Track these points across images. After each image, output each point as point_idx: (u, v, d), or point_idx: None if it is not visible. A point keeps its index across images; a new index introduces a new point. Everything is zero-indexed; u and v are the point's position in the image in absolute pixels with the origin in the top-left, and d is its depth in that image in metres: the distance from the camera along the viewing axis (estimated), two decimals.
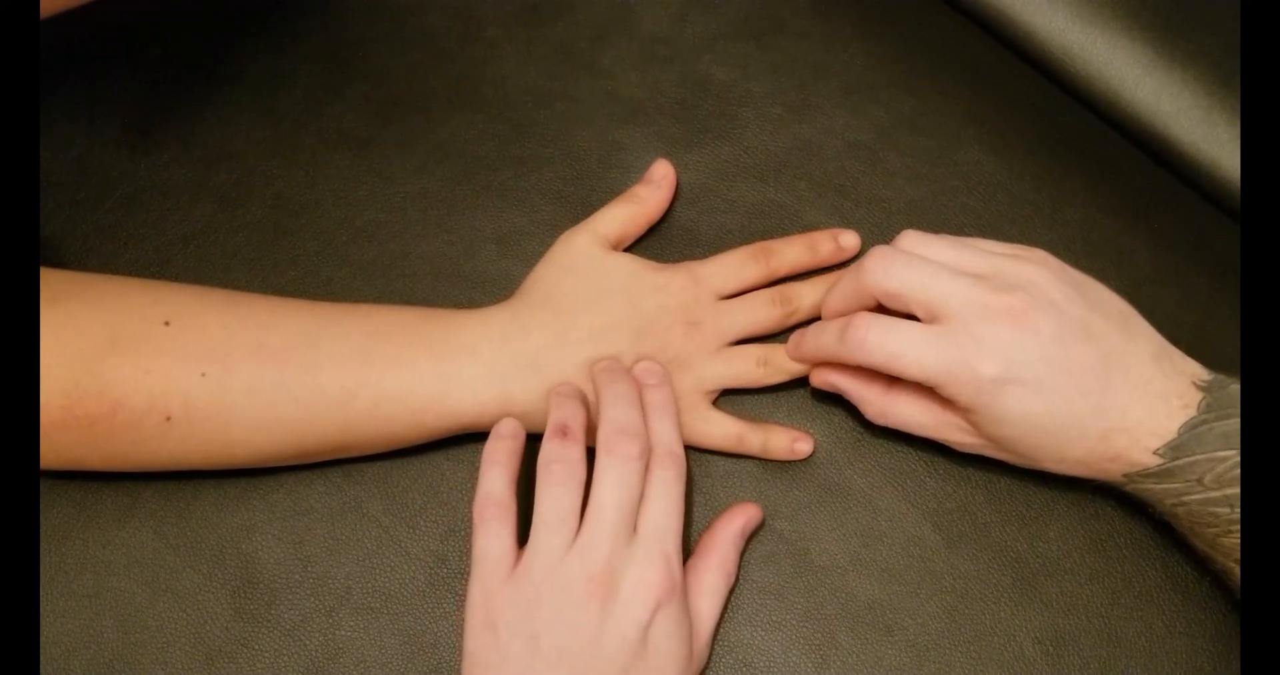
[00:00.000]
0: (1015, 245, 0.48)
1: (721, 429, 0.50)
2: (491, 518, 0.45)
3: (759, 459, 0.51)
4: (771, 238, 0.54)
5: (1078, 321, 0.44)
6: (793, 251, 0.53)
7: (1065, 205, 0.55)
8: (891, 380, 0.48)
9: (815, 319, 0.52)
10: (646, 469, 0.46)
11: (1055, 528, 0.50)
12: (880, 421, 0.49)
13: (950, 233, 0.53)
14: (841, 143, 0.56)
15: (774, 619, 0.49)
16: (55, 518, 0.50)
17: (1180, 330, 0.52)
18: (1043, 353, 0.43)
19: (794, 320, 0.52)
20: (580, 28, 0.58)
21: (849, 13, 0.59)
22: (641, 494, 0.45)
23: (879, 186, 0.55)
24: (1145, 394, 0.44)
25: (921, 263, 0.45)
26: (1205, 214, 0.58)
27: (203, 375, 0.46)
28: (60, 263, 0.53)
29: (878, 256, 0.46)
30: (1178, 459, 0.43)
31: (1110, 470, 0.45)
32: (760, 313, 0.52)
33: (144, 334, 0.46)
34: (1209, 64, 0.59)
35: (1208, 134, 0.58)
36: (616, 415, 0.46)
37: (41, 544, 0.49)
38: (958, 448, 0.48)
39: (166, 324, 0.46)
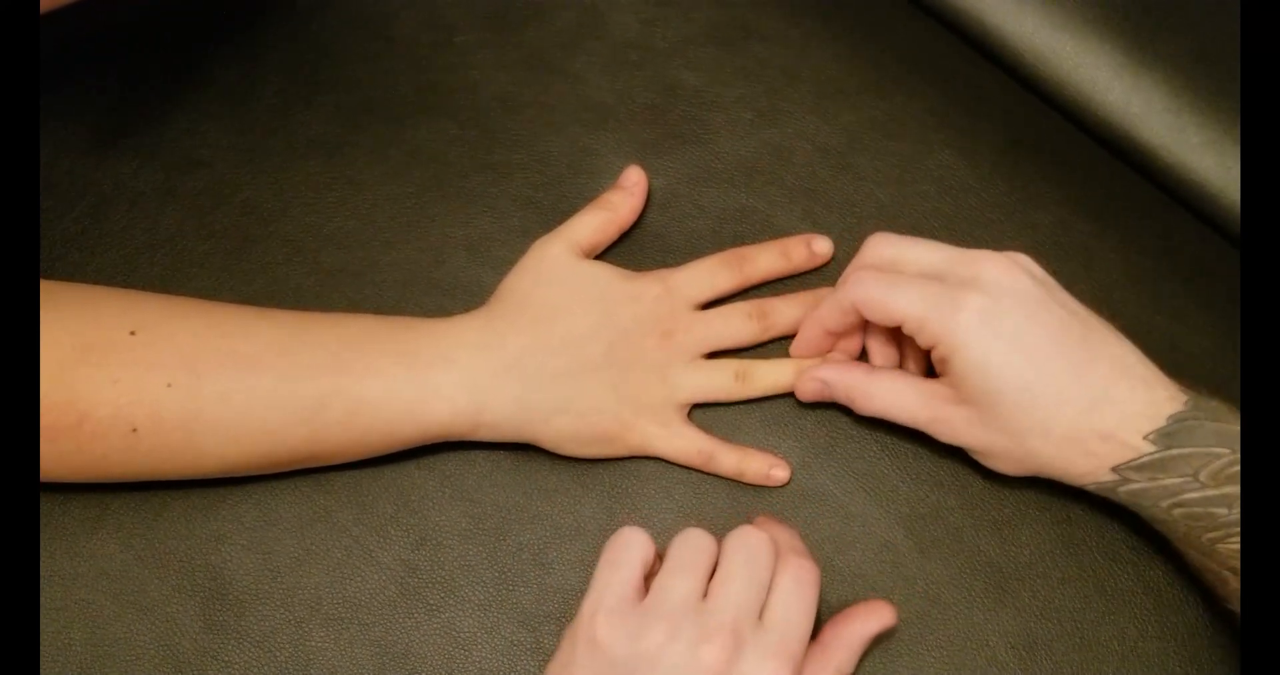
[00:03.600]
0: None
1: (694, 444, 0.50)
2: (638, 540, 0.45)
3: None
4: (743, 243, 0.54)
5: (1060, 299, 0.45)
6: (766, 258, 0.53)
7: (1036, 209, 0.55)
8: (873, 367, 0.50)
9: (793, 335, 0.52)
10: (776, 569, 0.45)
11: (1027, 532, 0.50)
12: (869, 407, 0.48)
13: (921, 237, 0.53)
14: (812, 147, 0.56)
15: None
16: None
17: (1150, 333, 0.52)
18: (1024, 304, 0.44)
19: (770, 334, 0.52)
20: (550, 33, 0.58)
21: (819, 17, 0.59)
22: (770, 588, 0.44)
23: (850, 191, 0.55)
24: (1130, 376, 0.44)
25: (919, 239, 0.48)
26: (1176, 217, 0.58)
27: (169, 385, 0.45)
28: None
29: (878, 236, 0.48)
30: (1170, 449, 0.42)
31: (1100, 454, 0.44)
32: (737, 325, 0.51)
33: (111, 343, 0.46)
34: (1179, 67, 0.59)
35: (1178, 137, 0.58)
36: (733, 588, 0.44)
37: None
38: (942, 431, 0.47)
39: (133, 333, 0.46)
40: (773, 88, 0.57)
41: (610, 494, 0.51)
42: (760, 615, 0.43)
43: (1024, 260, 0.46)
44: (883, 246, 0.48)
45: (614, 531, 0.50)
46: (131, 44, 0.58)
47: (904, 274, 0.46)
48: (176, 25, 0.59)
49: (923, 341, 0.45)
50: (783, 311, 0.52)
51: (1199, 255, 0.56)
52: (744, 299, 0.53)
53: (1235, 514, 0.42)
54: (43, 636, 0.48)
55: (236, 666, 0.48)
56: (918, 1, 0.63)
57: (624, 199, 0.54)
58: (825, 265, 0.54)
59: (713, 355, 0.52)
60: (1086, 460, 0.44)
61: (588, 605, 0.43)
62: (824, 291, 0.52)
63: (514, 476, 0.51)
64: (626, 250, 0.54)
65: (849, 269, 0.49)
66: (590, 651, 0.42)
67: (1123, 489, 0.44)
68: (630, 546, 0.44)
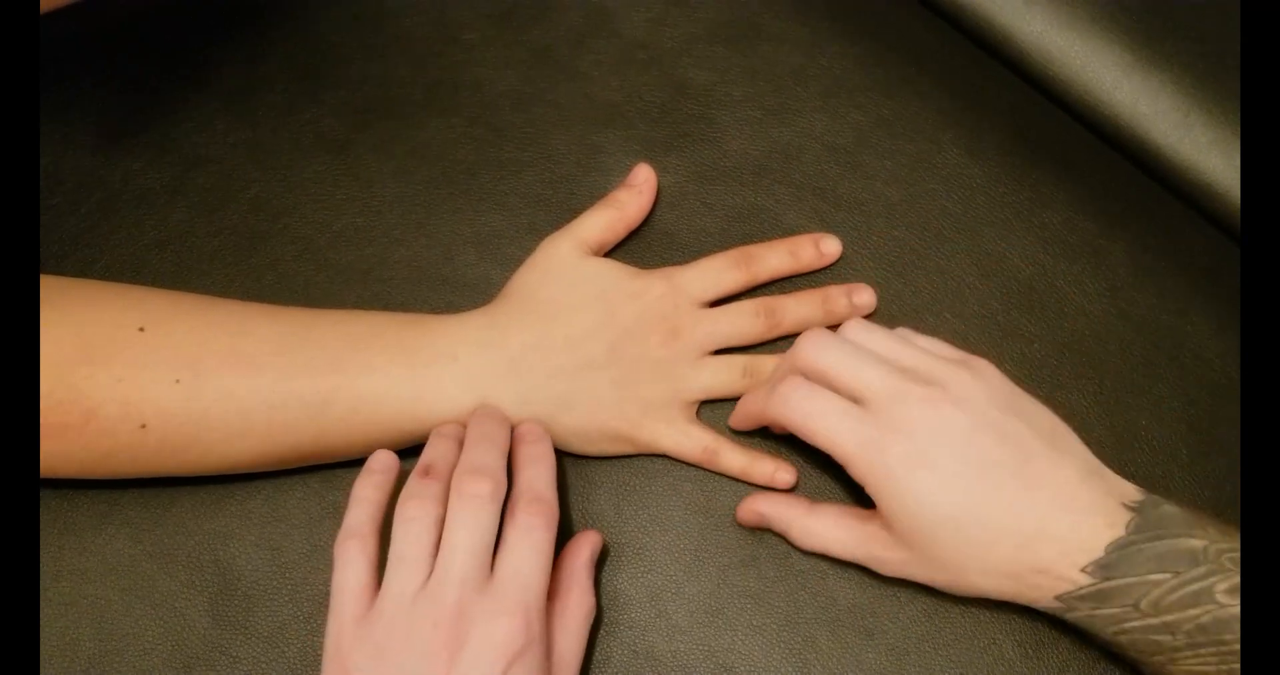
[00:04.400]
0: (963, 353, 0.47)
1: (700, 442, 0.50)
2: (349, 550, 0.44)
3: None
4: (751, 241, 0.54)
5: (996, 424, 0.44)
6: (774, 257, 0.53)
7: (1044, 208, 0.55)
8: (814, 502, 0.49)
9: (798, 333, 0.51)
10: (506, 514, 0.44)
11: None
12: (805, 543, 0.48)
13: (930, 235, 0.54)
14: (820, 146, 0.56)
15: (755, 623, 0.49)
16: None
17: (1157, 332, 0.52)
18: (951, 443, 0.43)
19: (777, 332, 0.52)
20: (558, 32, 0.58)
21: (827, 16, 0.59)
22: (500, 539, 0.44)
23: (858, 190, 0.55)
24: (1068, 508, 0.43)
25: (852, 348, 0.46)
26: (1183, 216, 0.58)
27: (176, 382, 0.45)
28: None
29: (811, 337, 0.47)
30: (1109, 580, 0.42)
31: (1042, 586, 0.43)
32: (743, 323, 0.51)
33: (118, 341, 0.46)
34: (1186, 67, 0.59)
35: (1185, 136, 0.59)
36: (471, 455, 0.45)
37: None
38: (883, 568, 0.47)
39: (141, 330, 0.46)
40: (781, 86, 0.57)
41: (618, 491, 0.51)
42: (492, 568, 0.43)
43: (960, 386, 0.44)
44: (815, 352, 0.46)
45: (622, 528, 0.50)
46: (139, 41, 0.58)
47: (833, 397, 0.45)
48: (184, 22, 0.59)
49: (852, 476, 0.45)
50: (790, 309, 0.52)
51: (1206, 254, 0.56)
52: (750, 296, 0.53)
53: (1179, 640, 0.41)
54: (51, 632, 0.48)
55: (245, 662, 0.48)
56: (926, 1, 0.63)
57: (632, 197, 0.54)
58: (833, 264, 0.54)
59: (720, 353, 0.52)
60: (1030, 590, 0.44)
61: (331, 625, 0.43)
62: (831, 290, 0.52)
63: None
64: (634, 248, 0.54)
65: (782, 366, 0.48)
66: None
67: (1069, 615, 0.44)
68: (348, 541, 0.44)
